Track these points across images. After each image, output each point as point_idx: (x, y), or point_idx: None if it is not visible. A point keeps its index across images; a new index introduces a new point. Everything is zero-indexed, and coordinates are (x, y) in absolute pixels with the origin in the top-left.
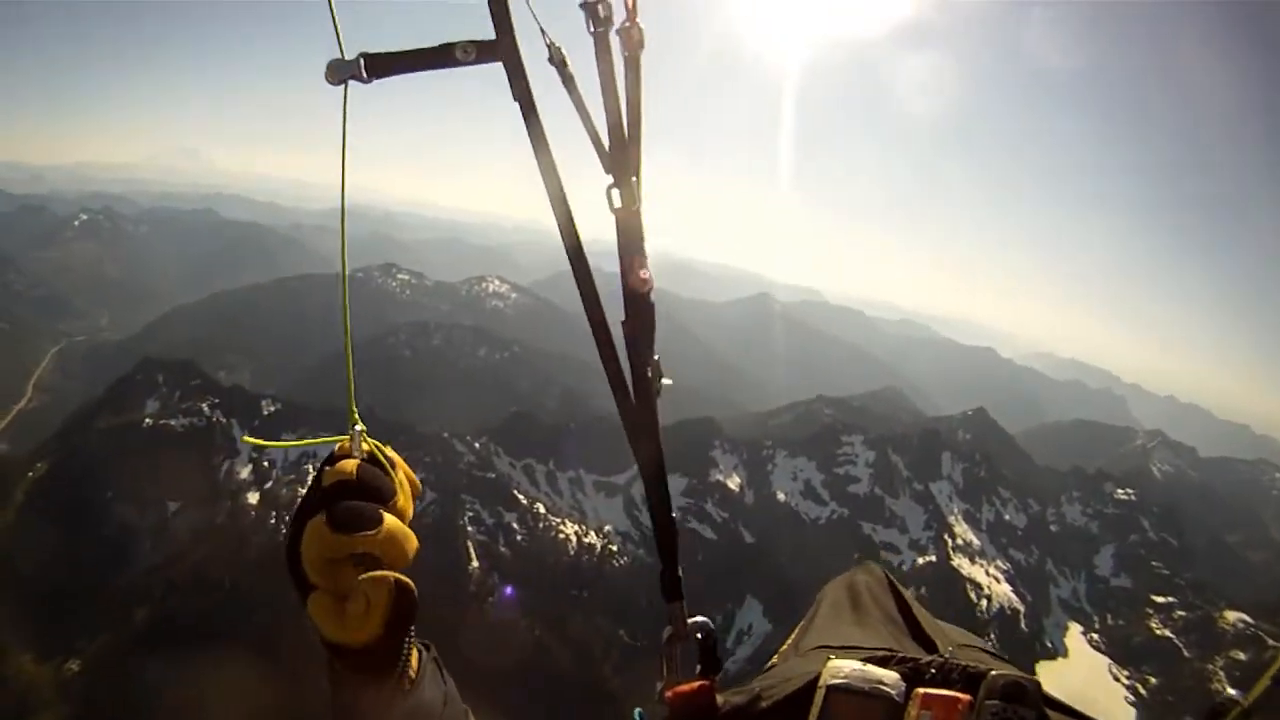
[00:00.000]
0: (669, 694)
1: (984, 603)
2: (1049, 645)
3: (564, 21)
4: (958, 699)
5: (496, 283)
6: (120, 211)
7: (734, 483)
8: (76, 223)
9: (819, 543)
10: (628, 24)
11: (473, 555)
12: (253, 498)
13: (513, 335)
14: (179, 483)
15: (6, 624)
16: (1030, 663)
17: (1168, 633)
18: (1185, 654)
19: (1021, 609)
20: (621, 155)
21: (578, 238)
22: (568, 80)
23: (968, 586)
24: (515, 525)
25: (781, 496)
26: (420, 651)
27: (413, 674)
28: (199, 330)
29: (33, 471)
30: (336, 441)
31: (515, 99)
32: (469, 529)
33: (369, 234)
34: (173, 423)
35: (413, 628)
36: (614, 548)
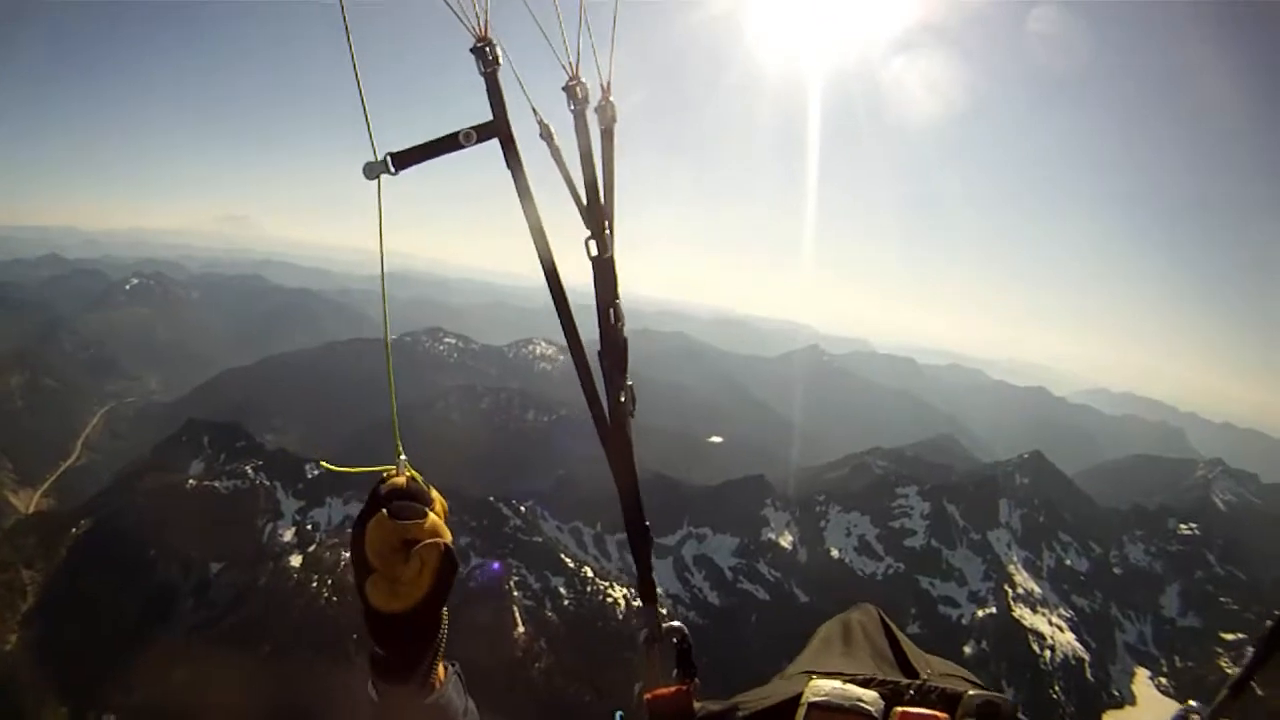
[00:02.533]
0: (647, 696)
1: (1047, 653)
2: (1116, 694)
3: (552, 101)
4: (935, 717)
5: (543, 345)
6: (171, 276)
7: (786, 540)
8: (128, 286)
9: (875, 600)
10: (602, 102)
11: (519, 620)
12: (295, 561)
13: (560, 397)
14: (222, 544)
15: (45, 677)
16: (1097, 713)
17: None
18: (1259, 692)
19: (1086, 657)
20: (597, 211)
21: (559, 280)
22: (555, 151)
23: (1030, 638)
24: (562, 590)
25: (835, 553)
26: (447, 665)
27: (440, 677)
28: (247, 394)
29: (76, 528)
30: (385, 470)
31: (508, 167)
32: (515, 593)
33: (415, 298)
34: (217, 484)
35: (445, 623)
36: (664, 610)
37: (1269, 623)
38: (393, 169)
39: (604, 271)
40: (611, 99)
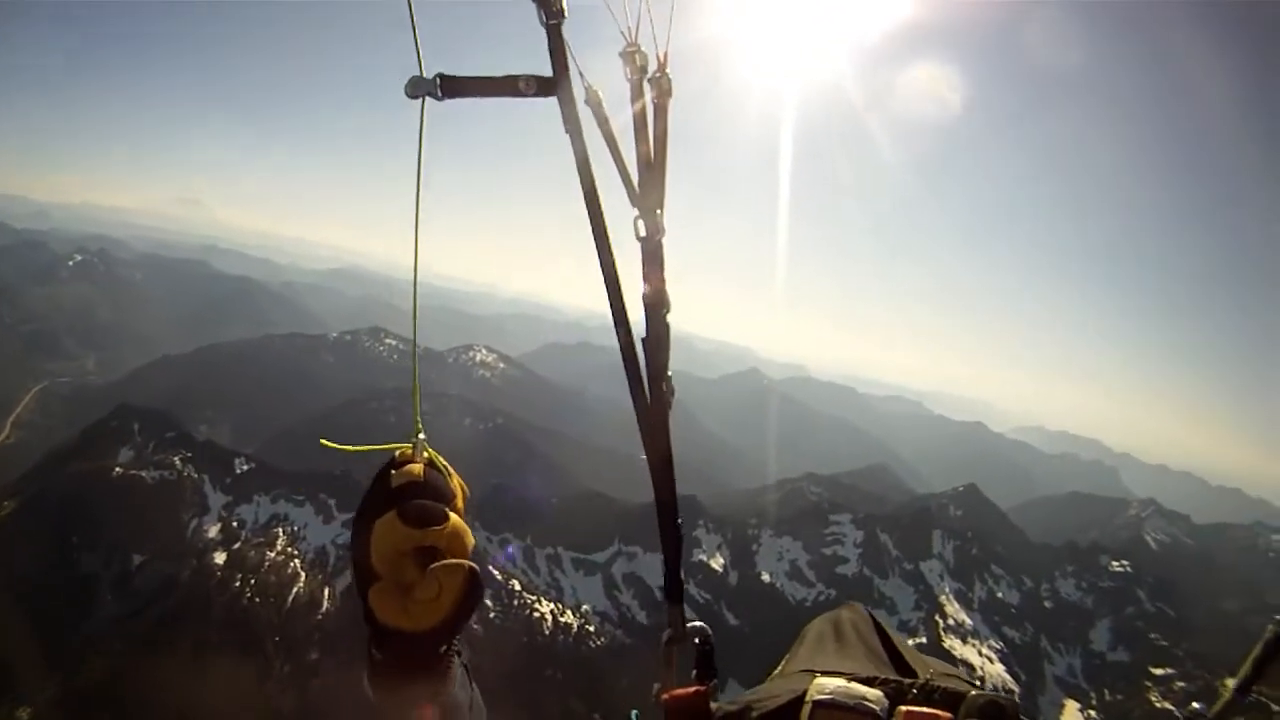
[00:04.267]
0: (665, 696)
1: (976, 685)
2: None
3: (605, 68)
4: (938, 716)
5: (484, 352)
6: (116, 255)
7: (717, 563)
8: (71, 262)
9: (804, 625)
10: (658, 74)
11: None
12: (219, 557)
13: (498, 405)
14: (146, 535)
15: None
16: None
17: (1168, 705)
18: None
19: (1016, 689)
20: (648, 189)
21: (611, 254)
22: (602, 120)
23: (960, 668)
24: (489, 602)
25: (766, 577)
26: (455, 655)
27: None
28: (183, 381)
29: (0, 509)
30: (398, 449)
31: (565, 130)
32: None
33: (362, 296)
34: (144, 474)
35: (458, 643)
36: (591, 628)
37: (1269, 630)
38: (440, 94)
39: (654, 254)
40: (668, 71)
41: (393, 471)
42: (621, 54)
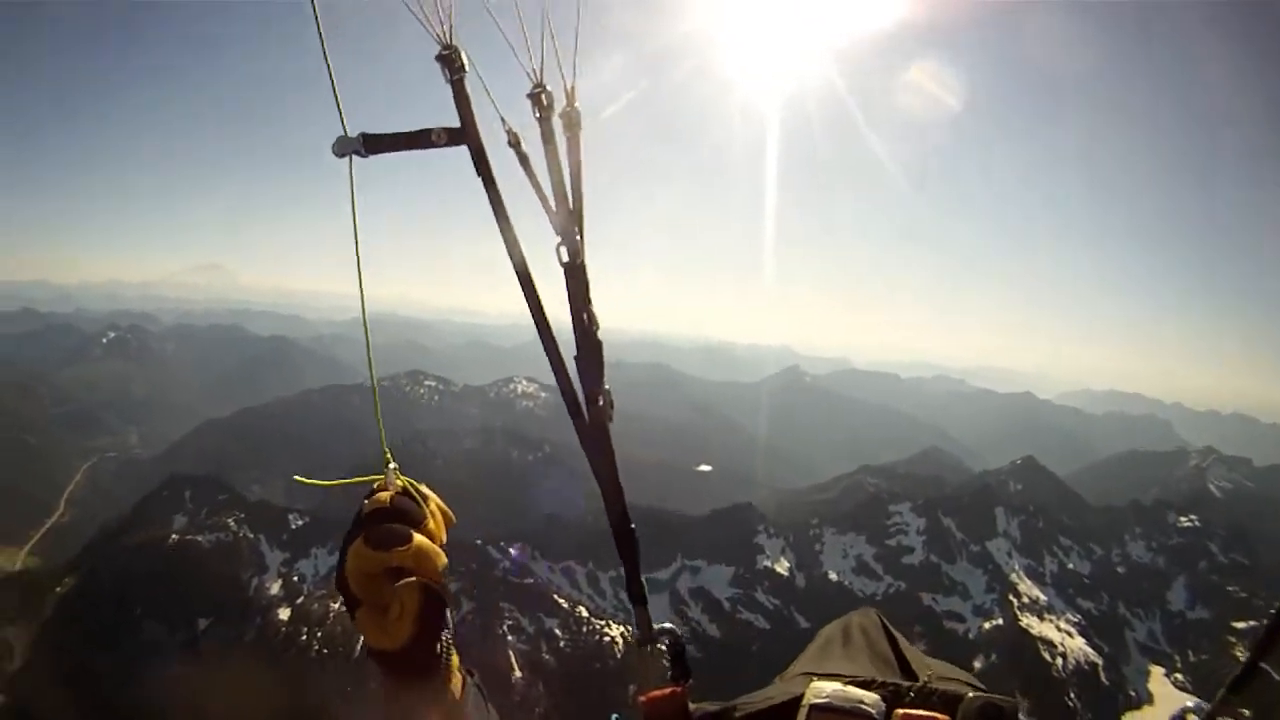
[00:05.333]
0: (642, 699)
1: (1059, 660)
2: (1133, 694)
3: (517, 108)
4: (935, 719)
5: (524, 383)
6: (146, 329)
7: (782, 567)
8: (104, 340)
9: None
10: (568, 108)
11: (515, 665)
12: (284, 613)
13: (544, 435)
14: (208, 598)
15: None
16: (1115, 716)
17: None
18: (1277, 678)
19: (1100, 661)
20: (567, 216)
21: (534, 285)
22: (523, 158)
23: (1040, 646)
24: (558, 631)
25: (834, 576)
26: (464, 676)
27: (456, 689)
28: (227, 445)
29: (60, 587)
30: (374, 480)
31: (478, 175)
32: (509, 638)
33: (393, 342)
34: (200, 538)
35: (447, 635)
36: (662, 646)
37: (1276, 609)
38: (363, 151)
39: (576, 276)
40: (576, 104)
41: (365, 501)
42: (529, 95)
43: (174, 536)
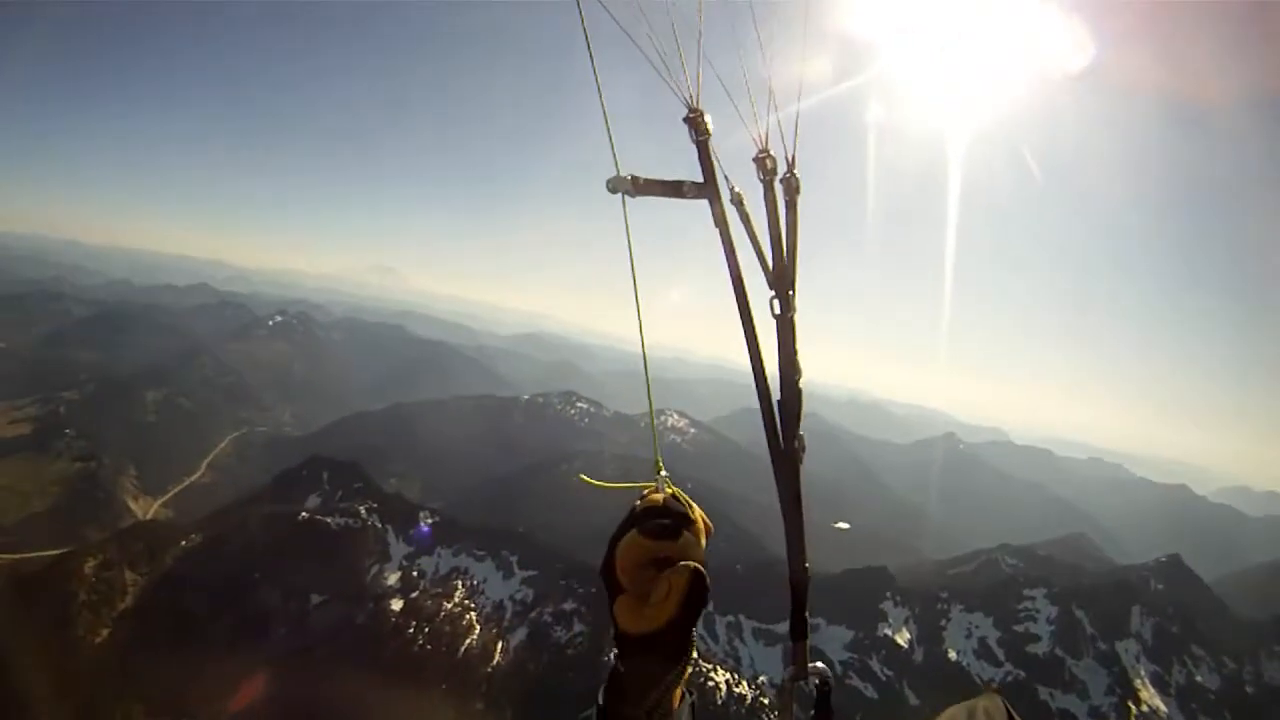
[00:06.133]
0: None
1: None
2: None
3: (744, 171)
4: None
5: (676, 417)
6: (314, 317)
7: (903, 638)
8: (272, 322)
9: None
10: (788, 174)
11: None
12: (396, 604)
13: (689, 471)
14: (326, 578)
15: (128, 677)
16: None
17: None
18: None
19: None
20: (782, 274)
21: (754, 328)
22: (744, 217)
23: None
24: None
25: (953, 655)
26: (684, 693)
27: (675, 700)
28: (375, 437)
29: (187, 541)
30: (646, 487)
31: (715, 225)
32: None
33: (555, 361)
34: (329, 520)
35: (694, 642)
36: (766, 700)
37: None
38: (632, 191)
39: (786, 329)
40: (796, 172)
41: (639, 500)
42: (754, 159)
43: (304, 514)
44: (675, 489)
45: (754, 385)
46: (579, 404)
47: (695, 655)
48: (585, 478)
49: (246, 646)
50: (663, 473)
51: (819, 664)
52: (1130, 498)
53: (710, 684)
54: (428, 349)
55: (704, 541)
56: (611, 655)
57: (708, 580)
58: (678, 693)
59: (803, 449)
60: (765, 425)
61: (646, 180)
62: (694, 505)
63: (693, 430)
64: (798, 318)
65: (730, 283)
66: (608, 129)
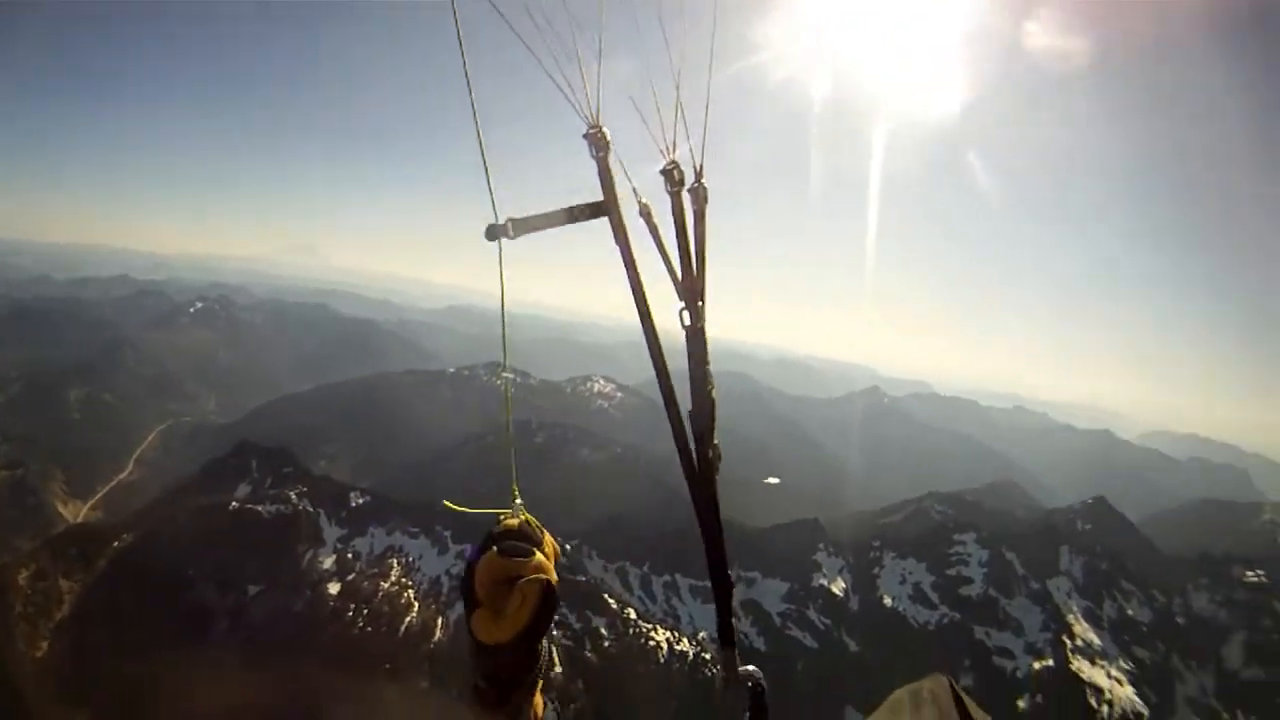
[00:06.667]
0: None
1: (1105, 708)
2: None
3: (651, 182)
4: None
5: (601, 382)
6: (236, 301)
7: (838, 587)
8: (193, 309)
9: (928, 650)
10: (696, 184)
11: (556, 661)
12: (334, 588)
13: (616, 436)
14: (261, 567)
15: (72, 687)
16: None
17: None
18: None
19: (1146, 712)
20: (690, 285)
21: (660, 347)
22: (653, 229)
23: (1088, 692)
24: (604, 630)
25: (889, 601)
26: (546, 700)
27: (539, 707)
28: (302, 419)
29: (119, 542)
30: (502, 513)
31: (616, 244)
32: (554, 632)
33: (479, 334)
34: (260, 508)
35: (547, 646)
36: (708, 655)
37: None
38: (512, 233)
39: (696, 339)
40: (704, 181)
41: (496, 525)
42: (661, 171)
43: (235, 504)
44: (528, 515)
45: (663, 405)
46: (505, 374)
47: (550, 662)
48: (449, 504)
49: (188, 645)
50: (518, 500)
51: (750, 667)
52: (1055, 444)
53: (651, 644)
54: (352, 327)
55: (553, 561)
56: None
57: (557, 593)
58: (539, 699)
59: (718, 458)
60: (676, 440)
61: (529, 218)
62: (544, 531)
63: (619, 395)
64: (708, 328)
65: (633, 299)
66: (486, 174)
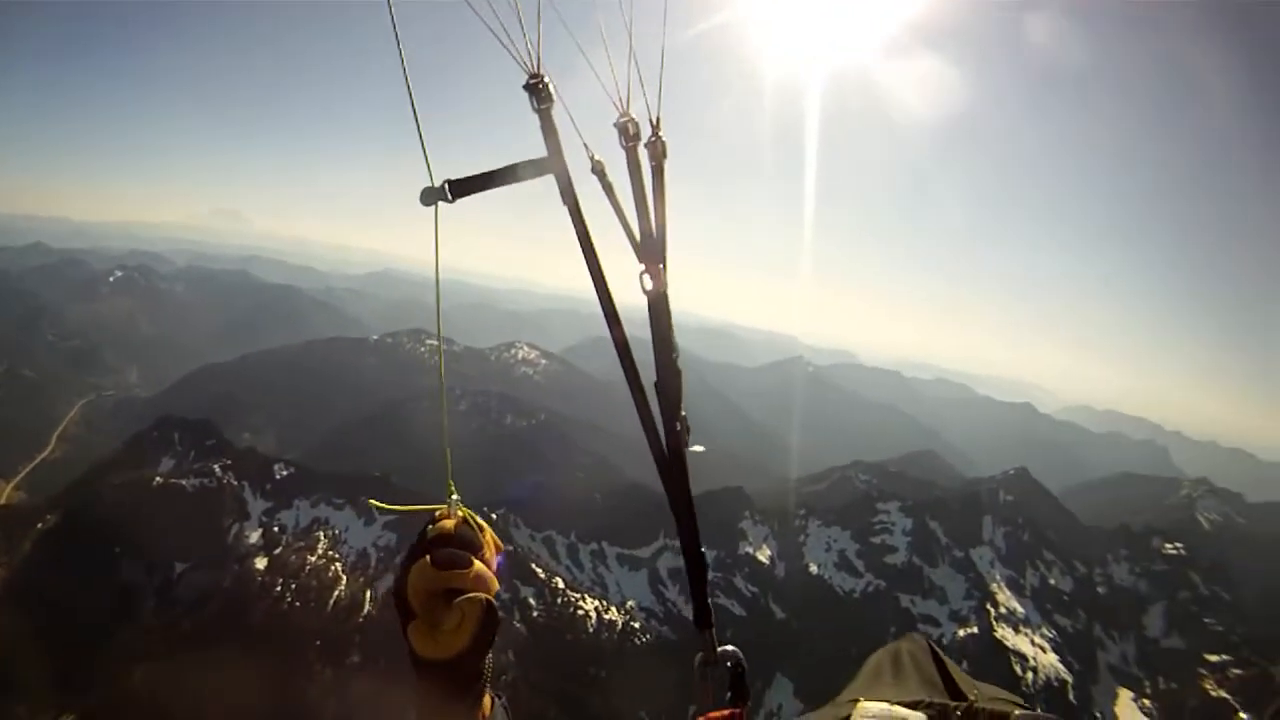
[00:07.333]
0: (700, 719)
1: (1029, 675)
2: (1098, 715)
3: (604, 137)
4: None
5: (526, 349)
6: (156, 269)
7: (764, 555)
8: (112, 278)
9: (854, 617)
10: (653, 139)
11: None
12: (260, 563)
13: (541, 403)
14: (187, 544)
15: (3, 679)
16: None
17: (1223, 693)
18: (1241, 714)
19: (1069, 678)
20: (651, 247)
21: (617, 317)
22: (607, 187)
23: (1012, 658)
24: (532, 600)
25: (814, 569)
26: (493, 697)
27: (486, 708)
28: (226, 390)
29: (43, 522)
30: (437, 509)
31: (564, 204)
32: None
33: (402, 299)
34: (184, 483)
35: (489, 663)
36: (636, 624)
37: None
38: (450, 197)
39: (659, 305)
40: (661, 134)
41: (429, 526)
42: (615, 124)
43: (159, 479)
44: (467, 511)
45: (622, 369)
46: (429, 341)
47: (489, 673)
48: (374, 502)
49: (118, 627)
50: (455, 496)
51: (729, 647)
52: (977, 416)
53: (580, 613)
54: (275, 294)
55: (494, 561)
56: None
57: (499, 613)
58: (488, 700)
59: (688, 431)
60: (642, 418)
61: (467, 179)
62: (485, 527)
63: (544, 362)
64: (670, 291)
65: (585, 263)
66: (420, 133)
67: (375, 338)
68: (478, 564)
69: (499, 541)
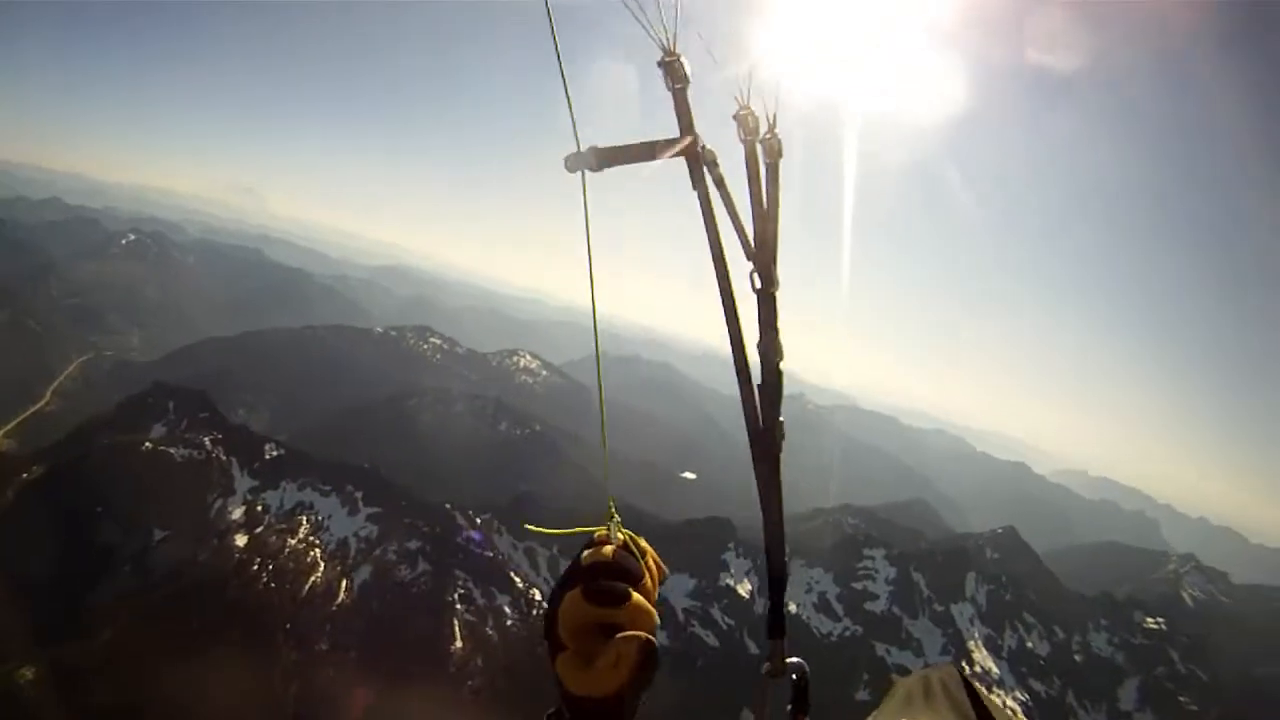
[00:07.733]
0: None
1: None
2: None
3: (722, 131)
4: None
5: (528, 358)
6: (170, 237)
7: (744, 589)
8: (124, 241)
9: (828, 660)
10: (768, 135)
11: (458, 634)
12: (240, 540)
13: (536, 412)
14: (169, 512)
15: None
16: None
17: None
18: None
19: None
20: (762, 244)
21: (735, 306)
22: (719, 179)
23: None
24: (507, 609)
25: (793, 608)
26: None
27: None
28: (225, 364)
29: (28, 474)
30: (596, 531)
31: (694, 187)
32: (458, 606)
33: (411, 295)
34: (173, 451)
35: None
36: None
37: None
38: (595, 166)
39: (768, 305)
40: (777, 132)
41: (585, 551)
42: (735, 116)
43: (148, 444)
44: (628, 534)
45: (734, 368)
46: (432, 339)
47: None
48: (531, 526)
49: (92, 586)
50: (616, 518)
51: (796, 659)
52: (971, 470)
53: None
54: (285, 275)
55: (656, 590)
56: (556, 708)
57: (658, 654)
58: None
59: (782, 436)
60: (745, 411)
61: (611, 149)
62: (649, 550)
63: (544, 372)
64: (779, 293)
65: (710, 253)
66: (568, 98)
67: (380, 330)
68: (636, 597)
69: (663, 567)
